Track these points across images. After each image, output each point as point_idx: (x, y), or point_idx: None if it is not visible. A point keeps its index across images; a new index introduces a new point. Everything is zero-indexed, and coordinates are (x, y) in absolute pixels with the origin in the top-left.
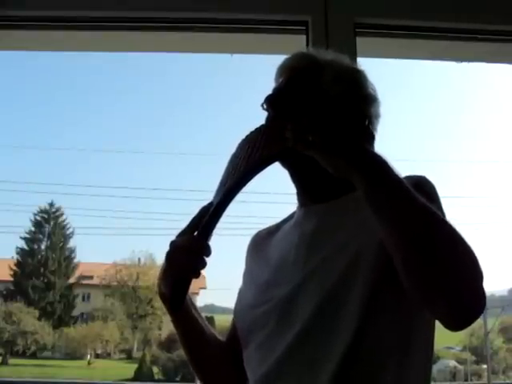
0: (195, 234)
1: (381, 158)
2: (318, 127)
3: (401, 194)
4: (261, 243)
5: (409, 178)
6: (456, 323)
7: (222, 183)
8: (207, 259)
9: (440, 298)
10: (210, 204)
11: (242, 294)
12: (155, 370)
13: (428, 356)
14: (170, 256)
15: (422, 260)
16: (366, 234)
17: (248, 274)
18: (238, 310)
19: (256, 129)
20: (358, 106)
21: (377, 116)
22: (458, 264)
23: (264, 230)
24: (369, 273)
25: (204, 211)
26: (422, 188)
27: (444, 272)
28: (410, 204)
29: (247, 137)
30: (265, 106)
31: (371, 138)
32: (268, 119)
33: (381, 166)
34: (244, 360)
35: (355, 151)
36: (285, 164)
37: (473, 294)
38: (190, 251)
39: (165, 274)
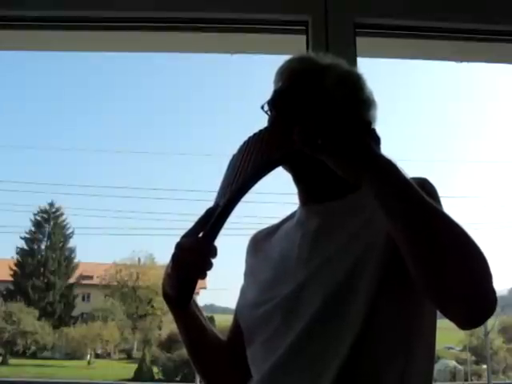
0: (201, 235)
1: (388, 158)
2: (327, 130)
3: (408, 192)
4: (260, 243)
5: (412, 179)
6: (468, 319)
7: (225, 185)
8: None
9: (450, 292)
10: (216, 206)
11: (243, 292)
12: (155, 369)
13: (430, 356)
14: (176, 257)
15: (431, 253)
16: (370, 235)
17: (249, 274)
18: (241, 308)
19: (259, 131)
20: (359, 110)
21: (374, 120)
22: (467, 259)
23: (263, 230)
24: (373, 273)
25: (210, 213)
26: (424, 189)
27: (454, 267)
28: (417, 201)
29: (249, 139)
30: (265, 109)
31: (377, 140)
32: (271, 122)
33: (389, 166)
34: (248, 357)
35: (364, 152)
36: (286, 166)
37: (483, 289)
38: (196, 252)
39: (170, 275)
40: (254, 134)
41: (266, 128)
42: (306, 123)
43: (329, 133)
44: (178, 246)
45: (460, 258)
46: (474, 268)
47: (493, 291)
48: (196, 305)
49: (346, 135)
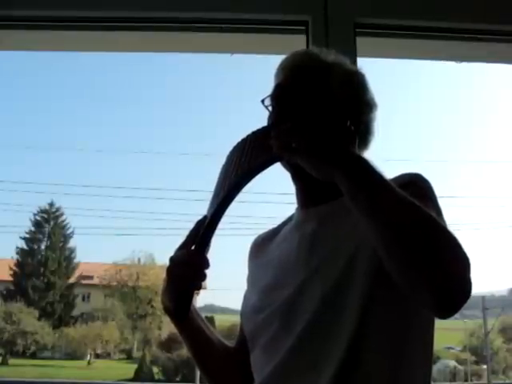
0: (193, 247)
1: (363, 158)
2: (301, 133)
3: (381, 190)
4: (260, 248)
5: (404, 175)
6: (440, 310)
7: (215, 195)
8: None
9: (420, 283)
10: (205, 217)
11: (246, 298)
12: (155, 369)
13: (427, 356)
14: (170, 271)
15: (402, 248)
16: (362, 234)
17: (251, 279)
18: (244, 314)
19: (243, 139)
20: (359, 111)
21: (375, 120)
22: (437, 251)
23: (263, 234)
24: (365, 272)
25: (199, 224)
26: (416, 184)
27: (423, 260)
28: (389, 197)
29: (235, 147)
30: (266, 103)
31: (354, 139)
32: (271, 117)
33: (363, 166)
34: (251, 362)
35: (335, 151)
36: (287, 165)
37: (455, 280)
38: (188, 265)
39: (167, 289)
40: (238, 143)
41: (248, 135)
42: (283, 127)
43: (301, 135)
44: (171, 260)
45: (426, 248)
46: (450, 262)
47: (466, 278)
48: (199, 316)
49: (318, 136)
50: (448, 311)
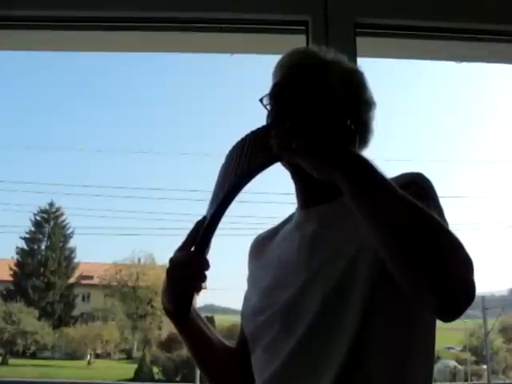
0: (193, 248)
1: (364, 158)
2: (301, 133)
3: (383, 191)
4: (261, 247)
5: (405, 175)
6: (444, 313)
7: (215, 195)
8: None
9: (422, 285)
10: (204, 218)
11: (247, 298)
12: (155, 369)
13: (429, 357)
14: (169, 272)
15: (405, 250)
16: (363, 236)
17: (251, 279)
18: (245, 315)
19: (242, 138)
20: (358, 109)
21: (374, 118)
22: (439, 253)
23: (263, 233)
24: (366, 274)
25: (199, 225)
26: (417, 184)
27: (425, 262)
28: (390, 198)
29: (234, 147)
30: (264, 102)
31: (355, 138)
32: (269, 116)
33: (364, 167)
34: (252, 363)
35: (336, 151)
36: (287, 164)
37: (458, 282)
38: (188, 266)
39: (167, 290)
40: (237, 142)
41: (247, 135)
42: (283, 126)
43: (302, 135)
44: (171, 262)
45: (428, 249)
46: (454, 266)
47: (470, 281)
48: (200, 317)
49: (318, 136)
50: (451, 314)
